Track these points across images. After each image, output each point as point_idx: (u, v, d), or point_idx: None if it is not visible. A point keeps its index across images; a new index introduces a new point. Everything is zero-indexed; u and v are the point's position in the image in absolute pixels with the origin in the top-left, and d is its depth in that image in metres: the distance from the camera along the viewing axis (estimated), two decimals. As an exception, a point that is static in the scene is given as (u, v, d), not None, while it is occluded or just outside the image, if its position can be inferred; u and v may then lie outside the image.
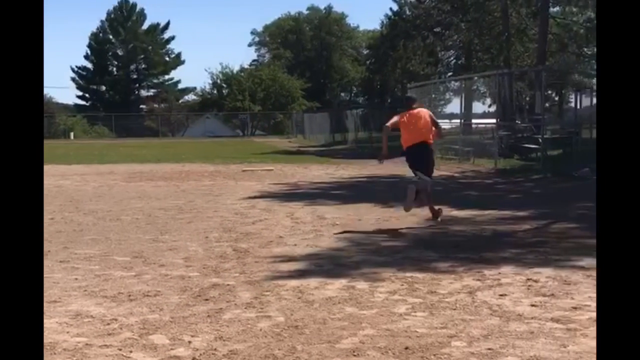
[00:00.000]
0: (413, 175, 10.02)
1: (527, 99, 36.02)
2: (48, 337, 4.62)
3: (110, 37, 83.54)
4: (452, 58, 47.52)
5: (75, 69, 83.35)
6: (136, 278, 6.43)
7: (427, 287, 5.91)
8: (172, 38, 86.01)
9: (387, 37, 47.71)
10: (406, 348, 4.32)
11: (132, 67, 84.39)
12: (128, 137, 62.84)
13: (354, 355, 4.22)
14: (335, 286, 5.97)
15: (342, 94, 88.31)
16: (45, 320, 5.01)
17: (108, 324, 4.96)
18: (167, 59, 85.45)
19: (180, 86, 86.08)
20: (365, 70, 68.17)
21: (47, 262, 7.12)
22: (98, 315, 5.17)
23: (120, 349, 4.41)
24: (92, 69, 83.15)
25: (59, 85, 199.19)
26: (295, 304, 5.40)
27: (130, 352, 4.36)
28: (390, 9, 53.41)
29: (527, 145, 22.48)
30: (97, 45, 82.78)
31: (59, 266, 6.97)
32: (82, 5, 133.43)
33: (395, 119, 10.06)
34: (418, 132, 9.85)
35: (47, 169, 22.26)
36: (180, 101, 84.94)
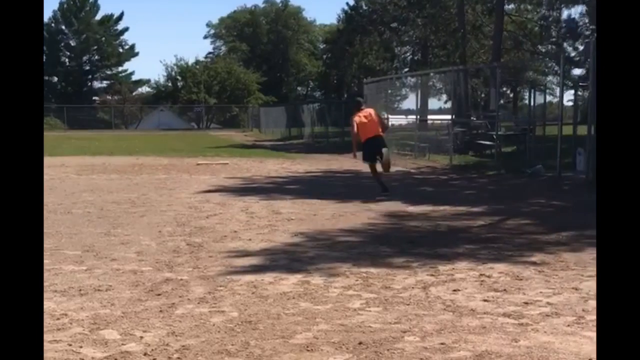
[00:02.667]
0: (369, 164, 12.63)
1: (483, 95, 36.44)
2: (-5, 332, 4.52)
3: (63, 27, 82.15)
4: (408, 54, 47.88)
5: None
6: (87, 272, 6.33)
7: (381, 282, 5.92)
8: (126, 29, 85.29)
9: (343, 31, 47.83)
10: (360, 343, 4.32)
11: (85, 58, 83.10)
12: (80, 129, 61.91)
13: (308, 351, 4.21)
14: (290, 281, 5.95)
15: (299, 88, 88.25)
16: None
17: (58, 318, 4.87)
18: (121, 50, 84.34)
19: (134, 78, 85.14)
20: (321, 64, 68.23)
21: (-5, 256, 6.98)
22: (48, 310, 5.07)
23: (70, 344, 4.33)
24: (44, 60, 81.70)
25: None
26: (249, 299, 5.37)
27: (81, 347, 4.29)
28: (347, 3, 53.38)
29: (481, 142, 22.72)
30: (49, 36, 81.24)
31: (7, 260, 6.82)
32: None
33: (355, 122, 12.35)
34: (370, 128, 12.37)
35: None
36: (134, 93, 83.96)
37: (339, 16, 58.31)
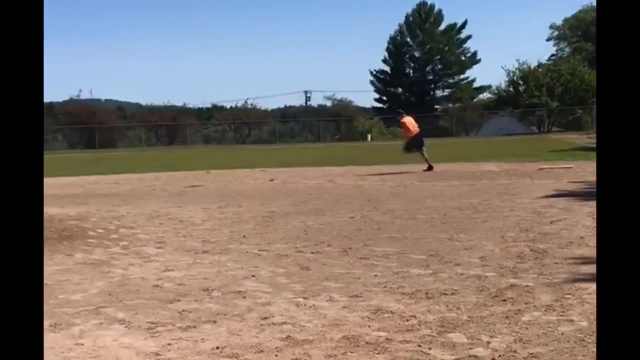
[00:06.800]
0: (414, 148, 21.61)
1: None
2: (351, 330, 4.84)
3: (408, 39, 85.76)
4: None
5: (374, 73, 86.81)
6: (433, 276, 6.49)
7: None
8: (469, 37, 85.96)
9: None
10: None
11: (428, 68, 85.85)
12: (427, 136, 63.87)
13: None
14: None
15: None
16: (347, 314, 5.25)
17: (407, 320, 5.06)
18: (463, 58, 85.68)
19: (475, 85, 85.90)
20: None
21: (348, 259, 7.50)
22: (397, 311, 5.30)
23: (419, 345, 4.48)
24: (389, 72, 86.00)
25: (359, 89, 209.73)
26: (600, 309, 5.10)
27: (430, 349, 4.41)
28: None
29: None
30: (395, 49, 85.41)
31: (359, 262, 7.28)
32: (382, 8, 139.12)
33: (405, 122, 21.81)
34: (413, 128, 21.52)
35: (347, 170, 23.35)
36: (474, 100, 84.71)
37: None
